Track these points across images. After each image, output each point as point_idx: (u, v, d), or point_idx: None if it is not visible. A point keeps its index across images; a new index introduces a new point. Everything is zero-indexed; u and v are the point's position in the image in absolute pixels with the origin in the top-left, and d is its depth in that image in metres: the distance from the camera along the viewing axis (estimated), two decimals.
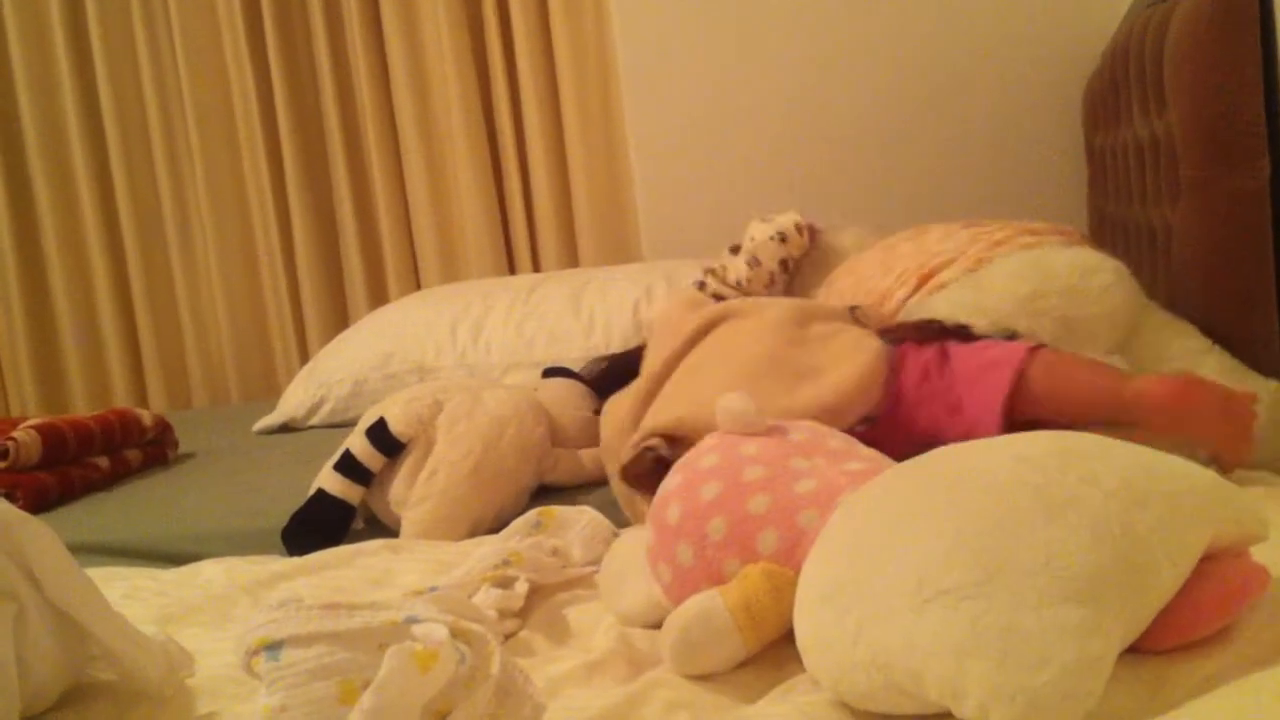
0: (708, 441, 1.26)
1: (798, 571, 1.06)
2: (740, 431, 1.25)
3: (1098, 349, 1.62)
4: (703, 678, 1.08)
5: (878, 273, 1.94)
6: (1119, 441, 1.01)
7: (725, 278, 2.29)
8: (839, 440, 1.26)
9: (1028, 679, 0.80)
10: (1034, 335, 1.63)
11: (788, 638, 1.06)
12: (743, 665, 1.09)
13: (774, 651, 1.09)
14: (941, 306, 1.74)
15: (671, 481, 1.22)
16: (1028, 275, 1.70)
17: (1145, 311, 1.67)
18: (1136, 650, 0.90)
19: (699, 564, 1.14)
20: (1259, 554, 0.97)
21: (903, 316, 1.81)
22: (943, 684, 0.83)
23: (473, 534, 1.78)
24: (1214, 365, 1.59)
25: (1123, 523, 0.88)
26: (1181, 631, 0.91)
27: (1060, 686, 0.80)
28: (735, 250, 2.29)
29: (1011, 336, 1.63)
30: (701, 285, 2.31)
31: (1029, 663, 0.81)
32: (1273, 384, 1.57)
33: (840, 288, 2.04)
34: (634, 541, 1.30)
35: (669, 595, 1.18)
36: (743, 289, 2.26)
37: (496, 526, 1.76)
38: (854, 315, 1.80)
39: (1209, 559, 0.92)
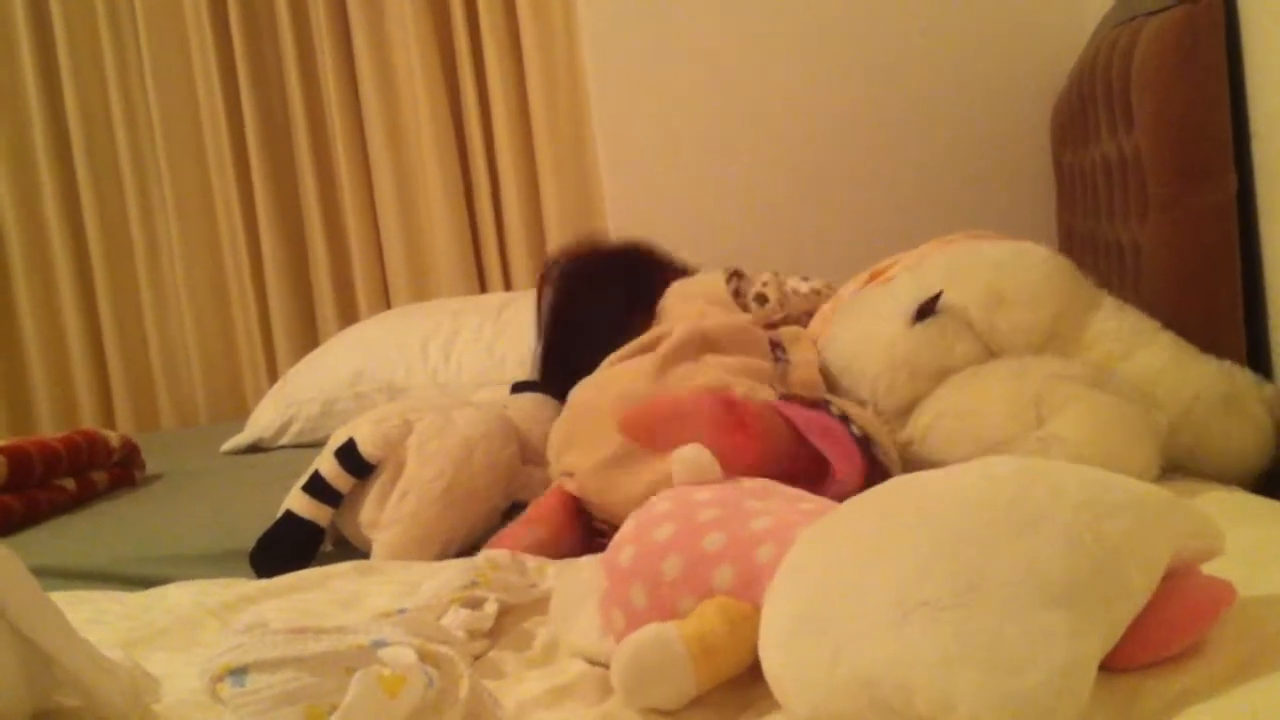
0: (662, 492, 1.25)
1: (755, 606, 1.04)
2: (694, 481, 1.25)
3: (1034, 319, 1.63)
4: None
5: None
6: (1075, 464, 1.01)
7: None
8: (790, 489, 1.26)
9: (1018, 683, 0.80)
10: (962, 312, 1.65)
11: (748, 678, 1.05)
12: (707, 703, 1.06)
13: (739, 687, 1.07)
14: (881, 294, 1.77)
15: (626, 528, 1.21)
16: (960, 256, 1.73)
17: (1095, 297, 1.67)
18: (1108, 668, 0.90)
19: (653, 604, 1.11)
20: (1221, 568, 0.98)
21: (843, 308, 1.84)
22: (931, 696, 0.83)
23: (444, 555, 1.77)
24: (1166, 341, 1.60)
25: (1094, 532, 0.89)
26: (1154, 648, 0.91)
27: (1051, 689, 0.79)
28: (761, 300, 2.20)
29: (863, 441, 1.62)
30: (760, 299, 2.15)
31: (1017, 667, 0.80)
32: (1225, 362, 1.59)
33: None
34: (590, 572, 1.28)
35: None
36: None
37: (468, 547, 1.76)
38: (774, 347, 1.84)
39: (1173, 575, 0.93)
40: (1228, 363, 1.58)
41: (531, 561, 1.52)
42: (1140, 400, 1.51)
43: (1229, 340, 1.69)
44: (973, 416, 1.55)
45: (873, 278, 1.85)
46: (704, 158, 3.12)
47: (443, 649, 1.02)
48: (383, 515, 1.79)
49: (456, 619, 1.29)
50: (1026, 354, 1.62)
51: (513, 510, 1.93)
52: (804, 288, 2.15)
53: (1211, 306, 1.71)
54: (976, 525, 0.91)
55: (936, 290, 1.66)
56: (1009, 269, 1.67)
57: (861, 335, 1.73)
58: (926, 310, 1.66)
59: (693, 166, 3.13)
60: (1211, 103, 1.67)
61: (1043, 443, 1.44)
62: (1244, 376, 1.57)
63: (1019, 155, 2.92)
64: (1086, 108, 2.18)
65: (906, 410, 1.66)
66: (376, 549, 1.78)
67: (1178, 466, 1.53)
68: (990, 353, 1.65)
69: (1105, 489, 0.94)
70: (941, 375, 1.64)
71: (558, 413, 2.09)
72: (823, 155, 3.03)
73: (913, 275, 1.75)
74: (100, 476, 2.48)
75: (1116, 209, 1.99)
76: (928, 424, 1.60)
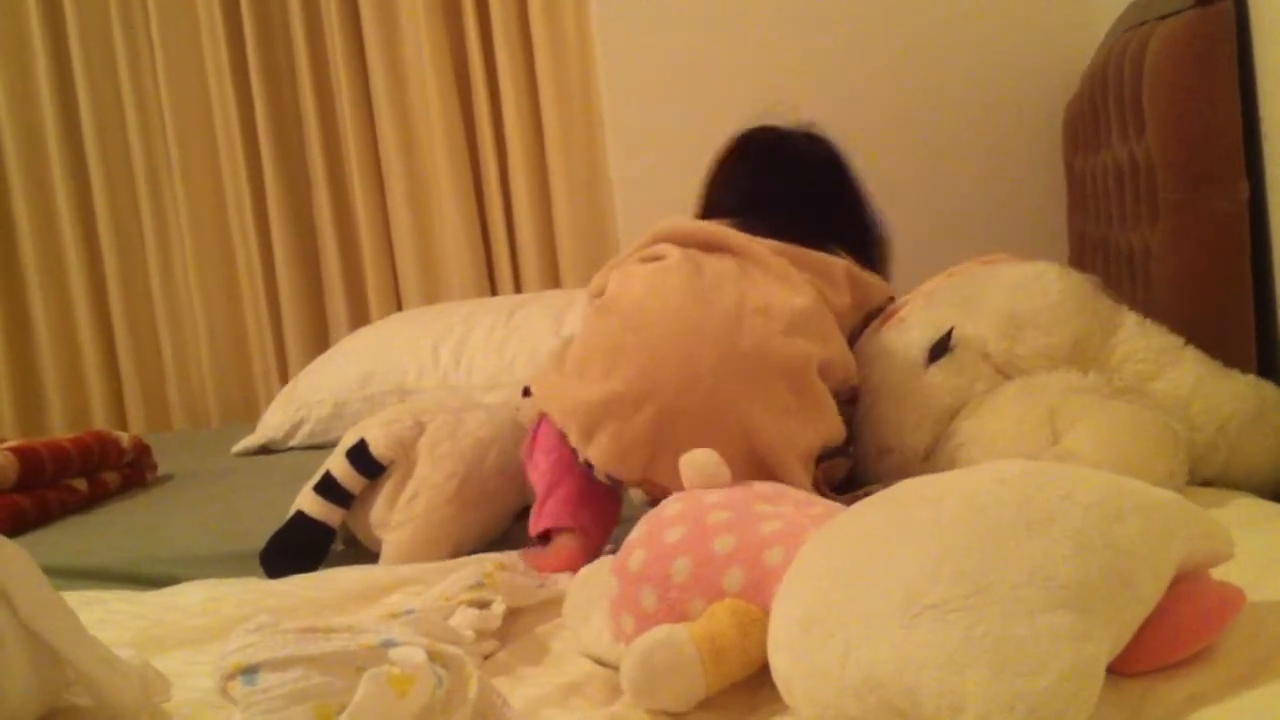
0: (673, 495, 1.25)
1: (765, 609, 1.04)
2: (704, 485, 1.25)
3: (1054, 342, 1.60)
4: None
5: None
6: (1085, 467, 1.01)
7: None
8: (801, 494, 1.26)
9: (1026, 685, 0.80)
10: (980, 344, 1.62)
11: (756, 680, 1.05)
12: (716, 705, 1.06)
13: (748, 689, 1.07)
14: (895, 324, 1.75)
15: (636, 532, 1.21)
16: (971, 285, 1.71)
17: (1115, 313, 1.66)
18: (1117, 672, 0.90)
19: (663, 606, 1.11)
20: (1230, 573, 0.98)
21: (858, 351, 1.77)
22: (939, 698, 0.83)
23: (454, 557, 1.77)
24: (1192, 359, 1.59)
25: (1103, 534, 0.89)
26: (1162, 654, 0.91)
27: (1059, 691, 0.80)
28: None
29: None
30: None
31: (1026, 669, 0.81)
32: (1250, 376, 1.58)
33: None
34: (603, 575, 1.29)
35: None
36: None
37: (479, 549, 1.76)
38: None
39: (1183, 580, 0.93)
40: (1252, 376, 1.57)
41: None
42: (1158, 408, 1.51)
43: (1240, 346, 1.69)
44: (990, 441, 1.53)
45: (885, 320, 1.81)
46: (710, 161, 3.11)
47: (452, 649, 1.03)
48: (393, 516, 1.79)
49: (464, 619, 1.29)
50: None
51: (524, 512, 1.93)
52: None
53: (1222, 312, 1.71)
54: (985, 527, 0.91)
55: (948, 327, 1.63)
56: (1024, 293, 1.64)
57: (880, 382, 1.70)
58: (940, 349, 1.63)
59: (702, 171, 3.12)
60: (1222, 107, 1.67)
61: (1060, 460, 1.42)
62: (1269, 389, 1.55)
63: (1030, 159, 2.91)
64: (1098, 112, 2.18)
65: (933, 446, 1.64)
66: (386, 549, 1.78)
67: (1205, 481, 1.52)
68: (1009, 379, 1.63)
69: (1115, 492, 0.94)
70: (962, 408, 1.63)
71: None
72: None
73: (926, 312, 1.72)
74: (111, 477, 2.48)
75: (1128, 214, 1.99)
76: (949, 457, 1.58)
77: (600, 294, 1.75)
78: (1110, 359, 1.61)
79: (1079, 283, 1.66)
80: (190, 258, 3.67)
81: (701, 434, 1.46)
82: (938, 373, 1.62)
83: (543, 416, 1.69)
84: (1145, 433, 1.45)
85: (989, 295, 1.67)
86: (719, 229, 1.75)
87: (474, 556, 1.61)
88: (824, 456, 1.64)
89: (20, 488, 2.23)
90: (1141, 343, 1.60)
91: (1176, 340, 1.61)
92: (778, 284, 1.66)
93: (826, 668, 0.91)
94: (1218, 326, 1.70)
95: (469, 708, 0.98)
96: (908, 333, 1.70)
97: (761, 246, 1.71)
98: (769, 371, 1.55)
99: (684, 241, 1.74)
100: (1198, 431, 1.50)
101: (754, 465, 1.50)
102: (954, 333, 1.63)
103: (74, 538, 2.13)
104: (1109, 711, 0.87)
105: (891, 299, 1.88)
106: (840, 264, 1.79)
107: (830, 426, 1.62)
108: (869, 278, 1.84)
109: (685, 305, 1.60)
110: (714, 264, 1.68)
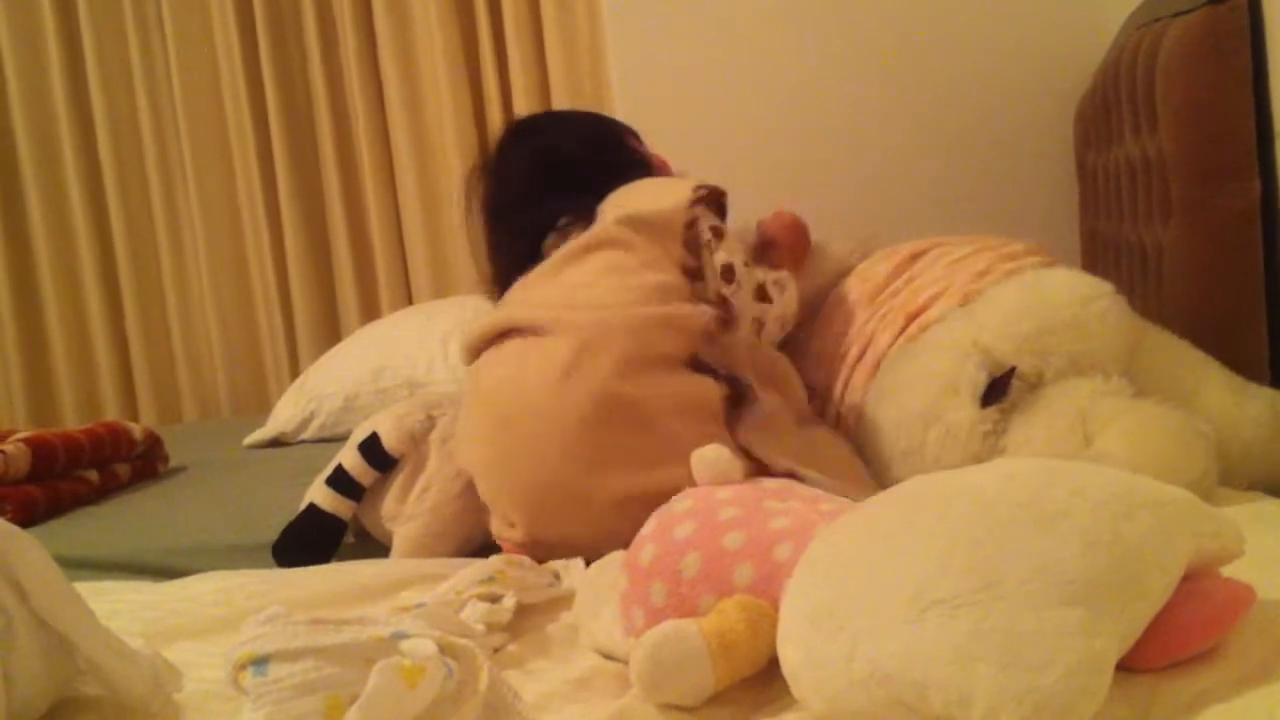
0: (684, 491, 1.26)
1: (774, 604, 1.04)
2: (715, 482, 1.25)
3: (1105, 373, 1.58)
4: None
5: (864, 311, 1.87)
6: (1096, 465, 1.01)
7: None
8: (810, 490, 1.26)
9: (1035, 679, 0.80)
10: (1036, 378, 1.59)
11: (766, 675, 1.05)
12: (724, 700, 1.06)
13: (757, 683, 1.07)
14: (935, 342, 1.68)
15: (647, 527, 1.22)
16: (1029, 309, 1.63)
17: (1140, 330, 1.65)
18: (1125, 669, 0.90)
19: (672, 601, 1.12)
20: (1241, 571, 0.98)
21: (886, 364, 1.72)
22: (947, 692, 0.83)
23: (463, 551, 1.78)
24: (1217, 378, 1.59)
25: (1113, 531, 0.89)
26: (1171, 651, 0.91)
27: (1068, 685, 0.80)
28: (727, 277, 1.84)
29: None
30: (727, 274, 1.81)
31: (1034, 664, 0.81)
32: (1268, 393, 1.57)
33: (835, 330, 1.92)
34: (614, 570, 1.29)
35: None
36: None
37: (487, 543, 1.76)
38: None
39: (1192, 578, 0.93)
40: (1269, 392, 1.57)
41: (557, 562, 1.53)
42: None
43: (1250, 345, 1.68)
44: (1019, 446, 1.53)
45: (909, 320, 1.73)
46: (722, 157, 3.11)
47: (463, 641, 1.03)
48: (404, 509, 1.80)
49: (475, 613, 1.29)
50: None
51: None
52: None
53: (1233, 310, 1.70)
54: (994, 523, 0.91)
55: (1009, 367, 1.59)
56: (1083, 332, 1.59)
57: (923, 414, 1.63)
58: (998, 392, 1.59)
59: (711, 167, 3.12)
60: (1235, 105, 1.67)
61: (1094, 460, 1.41)
62: None
63: (1041, 155, 2.91)
64: (1110, 109, 2.17)
65: None
66: (397, 542, 1.79)
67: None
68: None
69: (1125, 489, 0.94)
70: None
71: None
72: (844, 153, 3.02)
73: (972, 332, 1.64)
74: (123, 468, 2.49)
75: (1139, 211, 1.99)
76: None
77: None
78: (1137, 376, 1.59)
79: (1127, 312, 1.63)
80: (202, 250, 3.68)
81: (575, 524, 1.52)
82: (992, 413, 1.58)
83: None
84: (1177, 433, 1.44)
85: (1050, 332, 1.60)
86: (500, 321, 1.73)
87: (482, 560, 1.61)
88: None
89: (32, 478, 2.24)
90: (1165, 365, 1.60)
91: (1201, 357, 1.60)
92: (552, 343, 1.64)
93: (834, 661, 0.91)
94: (1229, 324, 1.69)
95: (479, 700, 0.99)
96: (943, 353, 1.64)
97: (546, 306, 1.69)
98: (584, 438, 1.56)
99: (479, 347, 1.76)
100: (1219, 460, 1.50)
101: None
102: (1015, 373, 1.59)
103: (85, 529, 2.13)
104: (1117, 708, 0.87)
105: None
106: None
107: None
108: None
109: (489, 446, 1.67)
110: (501, 362, 1.70)
